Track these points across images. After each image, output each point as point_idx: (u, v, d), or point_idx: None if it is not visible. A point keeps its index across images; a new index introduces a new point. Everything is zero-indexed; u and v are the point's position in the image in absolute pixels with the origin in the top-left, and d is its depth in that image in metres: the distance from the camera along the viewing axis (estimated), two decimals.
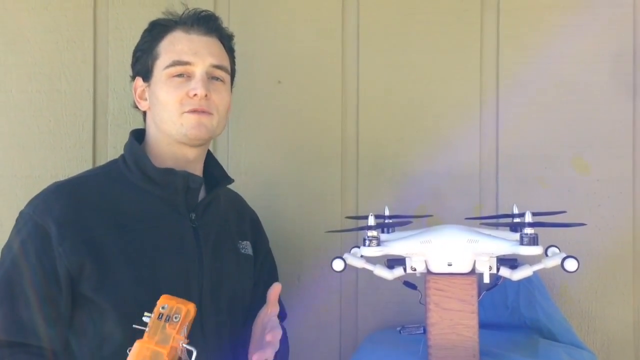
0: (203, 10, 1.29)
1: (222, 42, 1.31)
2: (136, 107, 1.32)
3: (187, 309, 1.00)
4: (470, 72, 1.54)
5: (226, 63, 1.30)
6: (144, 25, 1.30)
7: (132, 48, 1.31)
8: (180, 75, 1.23)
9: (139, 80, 1.29)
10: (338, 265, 1.16)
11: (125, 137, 1.30)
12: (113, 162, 1.30)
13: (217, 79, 1.26)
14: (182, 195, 1.24)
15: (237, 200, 1.45)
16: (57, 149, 1.63)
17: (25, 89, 1.65)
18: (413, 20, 1.56)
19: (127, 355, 0.98)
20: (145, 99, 1.29)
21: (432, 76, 1.55)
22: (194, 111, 1.22)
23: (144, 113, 1.31)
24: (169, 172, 1.23)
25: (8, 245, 1.17)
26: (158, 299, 1.07)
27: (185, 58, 1.23)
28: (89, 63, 1.64)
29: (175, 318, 0.99)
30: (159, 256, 1.19)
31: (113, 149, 1.61)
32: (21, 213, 1.19)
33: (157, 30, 1.28)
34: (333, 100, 1.58)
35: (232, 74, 1.34)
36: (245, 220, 1.41)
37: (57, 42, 1.65)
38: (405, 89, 1.56)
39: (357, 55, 1.58)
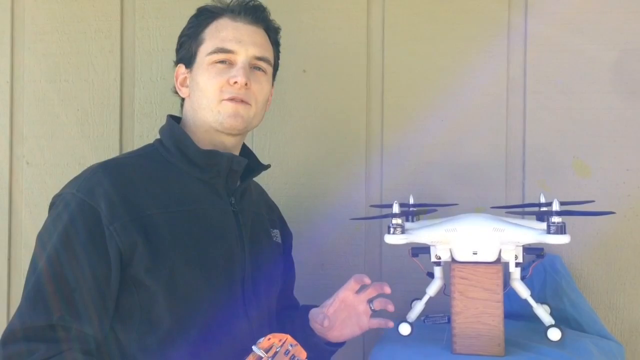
0: (251, 0, 1.28)
1: (267, 34, 1.30)
2: (176, 92, 1.30)
3: (287, 336, 1.06)
4: (497, 60, 1.52)
5: (269, 54, 1.28)
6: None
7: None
8: (222, 62, 1.22)
9: (181, 68, 1.28)
10: (405, 329, 1.21)
11: (151, 126, 1.31)
12: (148, 146, 1.28)
13: (258, 69, 1.26)
14: (222, 179, 1.23)
15: (264, 192, 1.45)
16: (84, 137, 1.66)
17: (53, 79, 1.68)
18: (439, 8, 1.55)
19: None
20: (187, 86, 1.27)
21: (458, 64, 1.54)
22: (232, 99, 1.21)
23: (182, 100, 1.30)
24: (214, 153, 1.22)
25: (48, 229, 1.12)
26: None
27: (229, 46, 1.22)
28: (116, 53, 1.66)
29: (291, 346, 1.06)
30: (205, 238, 1.17)
31: (139, 137, 1.63)
32: (60, 195, 1.15)
33: (203, 16, 1.26)
34: (358, 89, 1.58)
35: (275, 67, 1.33)
36: (274, 211, 1.43)
37: (85, 32, 1.67)
38: (431, 77, 1.55)
39: (382, 43, 1.58)
